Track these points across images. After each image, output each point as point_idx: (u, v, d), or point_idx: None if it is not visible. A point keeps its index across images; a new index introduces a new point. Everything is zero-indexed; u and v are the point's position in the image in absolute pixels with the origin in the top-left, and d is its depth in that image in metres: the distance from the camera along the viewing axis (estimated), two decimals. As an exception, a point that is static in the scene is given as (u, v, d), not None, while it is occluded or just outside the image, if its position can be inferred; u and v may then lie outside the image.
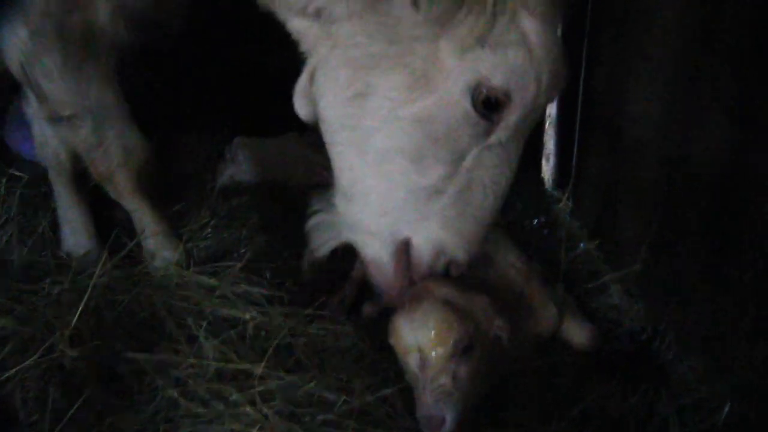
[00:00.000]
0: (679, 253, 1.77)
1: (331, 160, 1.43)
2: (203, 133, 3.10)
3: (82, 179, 2.00)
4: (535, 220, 2.18)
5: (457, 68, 1.22)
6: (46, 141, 1.91)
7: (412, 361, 1.30)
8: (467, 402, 1.30)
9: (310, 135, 2.93)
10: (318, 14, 1.30)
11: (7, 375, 1.36)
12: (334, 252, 1.96)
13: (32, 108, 1.89)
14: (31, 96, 1.87)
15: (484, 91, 1.21)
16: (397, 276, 1.43)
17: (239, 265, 1.87)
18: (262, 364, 1.44)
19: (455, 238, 1.38)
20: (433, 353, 1.27)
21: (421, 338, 1.28)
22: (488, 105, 1.23)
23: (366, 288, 2.02)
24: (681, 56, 1.63)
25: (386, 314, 1.90)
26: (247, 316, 1.64)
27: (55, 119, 1.59)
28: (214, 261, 2.00)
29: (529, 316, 1.53)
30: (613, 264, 1.88)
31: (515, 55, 1.20)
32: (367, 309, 1.90)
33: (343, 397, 1.41)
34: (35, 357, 1.38)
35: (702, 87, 1.60)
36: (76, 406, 1.34)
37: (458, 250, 1.39)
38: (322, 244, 1.52)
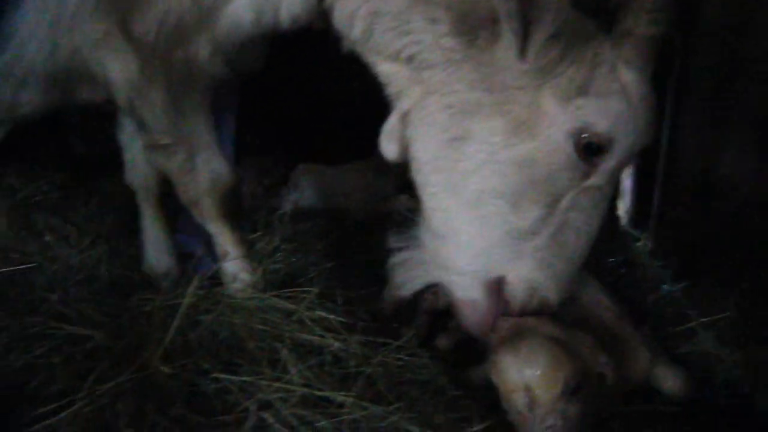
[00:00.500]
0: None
1: (422, 200, 1.47)
2: (268, 158, 3.21)
3: (166, 202, 2.10)
4: (612, 260, 2.13)
5: (561, 115, 1.29)
6: (137, 165, 2.02)
7: (518, 400, 1.26)
8: None
9: (372, 162, 2.98)
10: (410, 60, 1.37)
11: (104, 388, 1.40)
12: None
13: (125, 134, 2.01)
14: (125, 123, 1.99)
15: (587, 136, 1.29)
16: (491, 314, 1.44)
17: (316, 290, 1.89)
18: (350, 393, 1.44)
19: (548, 277, 1.40)
20: (543, 392, 1.24)
21: (530, 377, 1.25)
22: (589, 150, 1.30)
23: (439, 320, 2.02)
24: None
25: (461, 348, 1.89)
26: (332, 343, 1.64)
27: (153, 147, 1.68)
28: (283, 285, 2.03)
29: (620, 358, 1.47)
30: (701, 308, 1.81)
31: (617, 104, 1.29)
32: (442, 342, 1.88)
33: (428, 432, 1.39)
34: (130, 372, 1.42)
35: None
36: (166, 424, 1.36)
37: (551, 290, 1.41)
38: (408, 282, 1.55)
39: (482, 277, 1.42)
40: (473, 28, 1.29)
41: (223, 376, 1.51)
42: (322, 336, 1.71)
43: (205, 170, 1.75)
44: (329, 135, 3.06)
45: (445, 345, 1.87)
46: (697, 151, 1.85)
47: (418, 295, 2.06)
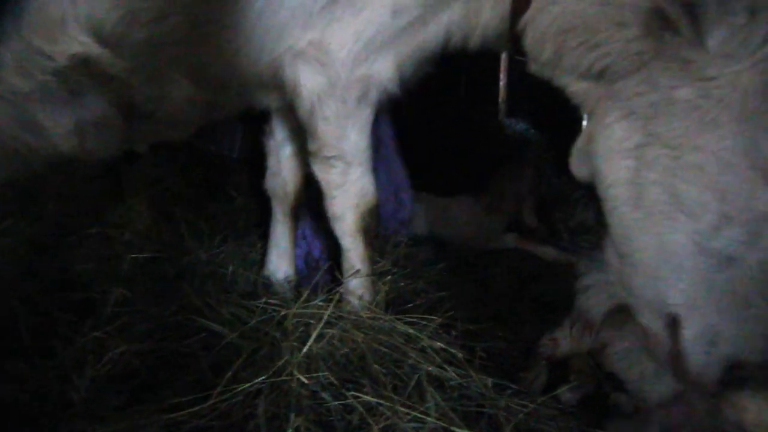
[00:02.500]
0: None
1: (606, 218, 1.38)
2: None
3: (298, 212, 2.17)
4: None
5: None
6: (279, 172, 2.09)
7: None
8: None
9: (485, 197, 2.96)
10: (602, 74, 1.31)
11: (240, 388, 1.43)
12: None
13: (273, 140, 2.10)
14: (276, 130, 2.09)
15: None
16: (675, 352, 1.24)
17: (439, 320, 1.86)
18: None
19: (741, 330, 1.16)
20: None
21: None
22: None
23: (559, 370, 1.92)
24: None
25: (589, 402, 1.78)
26: (454, 377, 1.59)
27: (315, 157, 1.72)
28: (395, 308, 2.02)
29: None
30: None
31: None
32: (566, 395, 1.78)
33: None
34: (269, 375, 1.44)
35: None
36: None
37: (745, 348, 1.17)
38: (596, 305, 1.46)
39: (659, 307, 1.24)
40: (662, 25, 1.18)
41: (351, 393, 1.50)
42: (443, 368, 1.67)
43: (356, 186, 1.78)
44: (446, 166, 3.07)
45: (569, 399, 1.77)
46: None
47: (537, 342, 1.99)
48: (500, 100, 5.29)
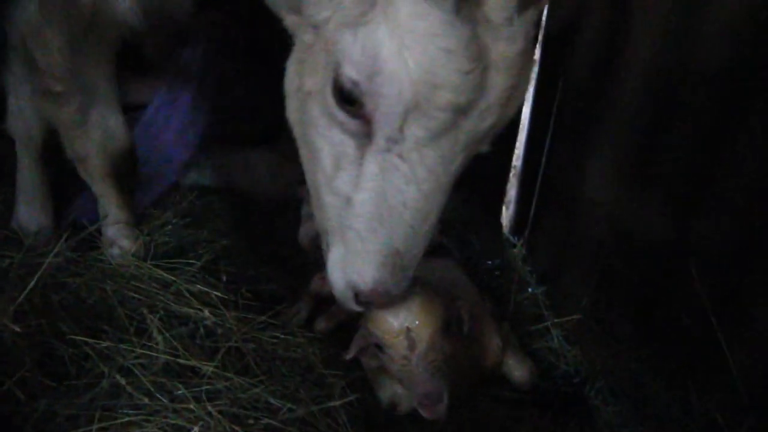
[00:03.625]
0: (614, 307, 1.92)
1: None
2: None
3: (48, 156, 1.97)
4: (489, 262, 2.30)
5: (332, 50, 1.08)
6: (21, 112, 1.87)
7: (400, 345, 1.33)
8: (453, 388, 1.34)
9: (281, 147, 2.98)
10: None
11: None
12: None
13: (12, 77, 1.86)
14: (16, 67, 1.84)
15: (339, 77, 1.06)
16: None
17: (198, 264, 1.87)
18: (213, 363, 1.44)
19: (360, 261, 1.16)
20: (421, 331, 1.31)
21: (408, 319, 1.32)
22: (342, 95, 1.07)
23: (321, 304, 2.07)
24: (638, 133, 1.83)
25: (338, 331, 1.96)
26: (203, 314, 1.63)
27: (44, 93, 1.57)
28: (169, 258, 1.99)
29: (477, 346, 1.60)
30: (557, 310, 2.01)
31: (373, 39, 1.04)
32: (320, 324, 1.93)
33: (288, 405, 1.43)
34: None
35: (652, 164, 1.79)
36: (9, 383, 1.29)
37: (365, 277, 1.15)
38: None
39: (324, 247, 1.27)
40: None
41: (80, 339, 1.45)
42: (199, 310, 1.70)
43: (99, 127, 1.66)
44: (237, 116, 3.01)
45: (323, 328, 1.92)
46: (568, 171, 2.06)
47: (308, 277, 2.11)
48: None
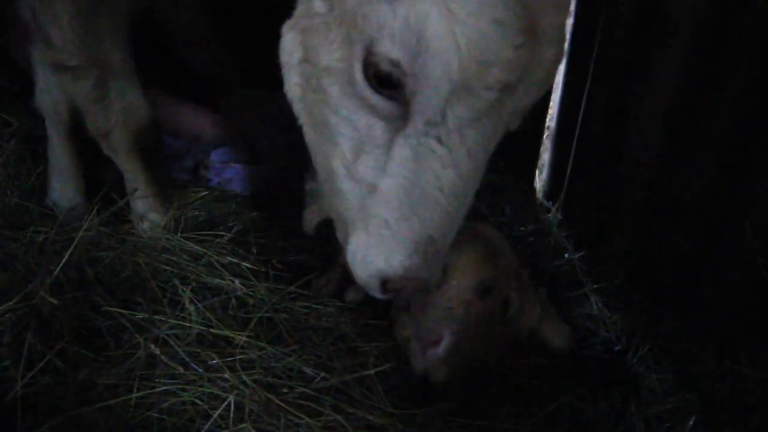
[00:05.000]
0: (657, 272, 1.83)
1: None
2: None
3: (79, 132, 1.97)
4: (523, 228, 2.22)
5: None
6: (48, 89, 1.87)
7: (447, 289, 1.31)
8: (463, 356, 1.30)
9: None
10: None
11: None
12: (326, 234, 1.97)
13: (38, 54, 1.85)
14: (38, 42, 1.84)
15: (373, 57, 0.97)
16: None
17: (228, 235, 1.86)
18: (245, 332, 1.44)
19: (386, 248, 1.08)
20: (460, 276, 1.28)
21: (453, 259, 1.27)
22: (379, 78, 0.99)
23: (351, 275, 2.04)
24: (683, 90, 1.70)
25: (370, 301, 1.94)
26: (234, 285, 1.63)
27: (59, 68, 1.55)
28: (199, 230, 1.99)
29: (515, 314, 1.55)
30: (595, 276, 1.93)
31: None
32: (350, 295, 1.91)
33: (322, 374, 1.42)
34: (13, 302, 1.35)
35: (698, 124, 1.68)
36: (50, 355, 1.32)
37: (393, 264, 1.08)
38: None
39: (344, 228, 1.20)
40: None
41: (116, 311, 1.47)
42: (231, 281, 1.70)
43: (118, 101, 1.63)
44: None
45: (354, 298, 1.90)
46: (607, 131, 1.95)
47: (337, 247, 2.08)
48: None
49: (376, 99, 0.98)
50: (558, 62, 1.03)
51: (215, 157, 2.51)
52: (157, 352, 1.33)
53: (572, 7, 2.18)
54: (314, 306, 1.72)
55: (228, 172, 2.48)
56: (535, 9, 0.92)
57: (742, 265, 1.47)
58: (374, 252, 1.09)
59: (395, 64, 0.92)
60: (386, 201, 1.05)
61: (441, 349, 1.27)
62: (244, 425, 1.20)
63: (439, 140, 0.99)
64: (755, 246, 1.39)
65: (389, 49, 0.92)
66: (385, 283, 1.12)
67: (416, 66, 0.91)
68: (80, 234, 1.53)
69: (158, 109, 1.85)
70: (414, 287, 1.14)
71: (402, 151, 1.02)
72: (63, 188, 2.00)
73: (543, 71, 0.99)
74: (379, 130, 1.03)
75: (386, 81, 0.95)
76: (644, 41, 1.76)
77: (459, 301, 1.27)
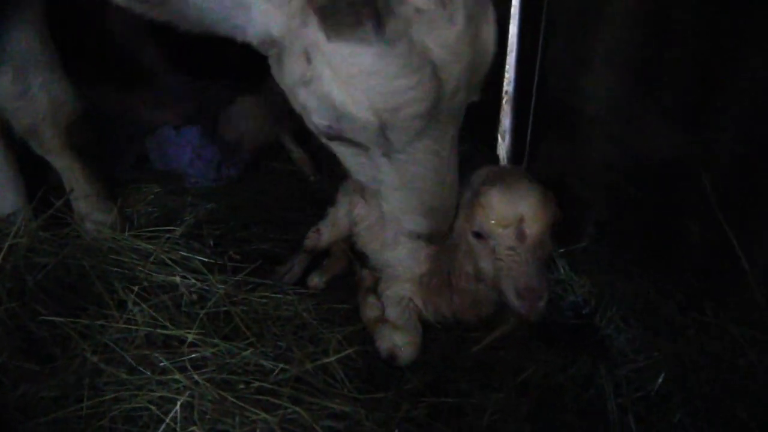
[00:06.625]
0: (623, 231, 1.80)
1: None
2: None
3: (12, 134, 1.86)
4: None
5: None
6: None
7: (508, 235, 1.32)
8: None
9: (265, 95, 2.80)
10: None
11: None
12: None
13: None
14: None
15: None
16: None
17: (179, 230, 1.77)
18: (194, 330, 1.37)
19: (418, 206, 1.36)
20: (534, 223, 1.31)
21: (525, 210, 1.31)
22: None
23: (316, 260, 1.98)
24: (633, 46, 1.65)
25: (333, 286, 1.88)
26: (179, 281, 1.55)
27: None
28: (155, 227, 1.90)
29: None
30: (561, 240, 1.89)
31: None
32: (314, 281, 1.86)
33: (281, 365, 1.36)
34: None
35: (649, 78, 1.63)
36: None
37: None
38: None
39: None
40: None
41: (57, 319, 1.39)
42: (184, 276, 1.62)
43: (43, 95, 1.54)
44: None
45: (317, 283, 1.85)
46: (564, 90, 1.90)
47: (302, 232, 2.01)
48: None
49: (338, 144, 1.20)
50: (481, 63, 1.11)
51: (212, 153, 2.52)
52: (95, 359, 1.26)
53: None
54: (273, 296, 1.66)
55: (237, 166, 2.55)
56: (423, 36, 1.00)
57: (701, 218, 1.44)
58: (401, 219, 1.40)
59: (328, 127, 1.11)
60: (387, 195, 1.34)
61: (544, 301, 1.29)
62: (193, 428, 1.14)
63: (400, 153, 1.17)
64: (714, 199, 1.35)
65: (318, 120, 1.11)
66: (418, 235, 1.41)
67: (343, 126, 1.08)
68: (9, 241, 1.43)
69: None
70: (443, 234, 1.43)
71: (381, 165, 1.25)
72: (2, 193, 1.88)
73: (458, 80, 1.07)
74: (361, 154, 1.25)
75: (332, 136, 1.14)
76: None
77: (544, 248, 1.33)
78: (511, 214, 1.32)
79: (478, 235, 1.39)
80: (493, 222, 1.35)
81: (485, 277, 1.39)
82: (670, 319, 1.51)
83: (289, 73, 1.07)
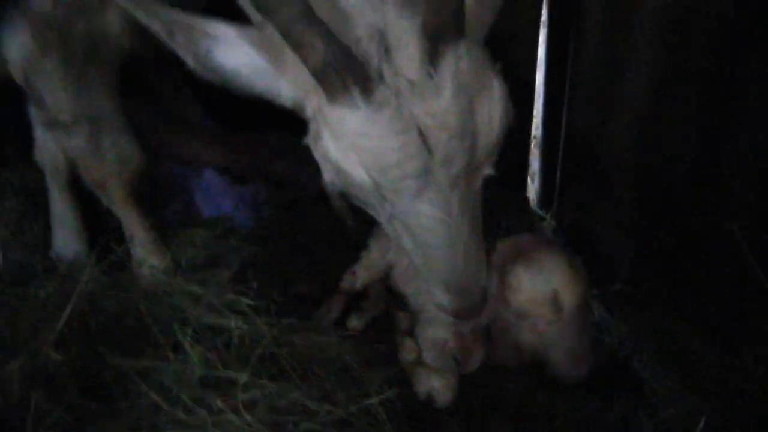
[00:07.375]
0: (657, 273, 1.82)
1: None
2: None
3: (77, 184, 2.02)
4: (520, 238, 2.22)
5: None
6: (45, 144, 1.92)
7: (545, 311, 1.31)
8: None
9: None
10: None
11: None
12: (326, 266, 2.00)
13: (33, 111, 1.91)
14: (32, 100, 1.89)
15: None
16: None
17: (227, 273, 1.88)
18: (246, 372, 1.45)
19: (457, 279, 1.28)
20: (570, 295, 1.30)
21: (557, 284, 1.30)
22: None
23: (353, 300, 2.06)
24: (655, 90, 1.72)
25: (372, 327, 1.95)
26: (232, 324, 1.65)
27: (51, 124, 1.60)
28: (202, 270, 2.01)
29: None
30: (594, 283, 1.93)
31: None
32: (353, 322, 1.92)
33: (327, 407, 1.43)
34: (18, 360, 1.38)
35: (672, 120, 1.69)
36: (58, 412, 1.34)
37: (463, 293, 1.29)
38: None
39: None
40: None
41: (120, 360, 1.49)
42: (231, 319, 1.72)
43: (112, 153, 1.68)
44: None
45: (356, 325, 1.91)
46: (591, 134, 1.96)
47: (339, 274, 2.10)
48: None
49: (356, 201, 1.22)
50: (480, 133, 1.08)
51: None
52: (158, 399, 1.35)
53: (544, 11, 2.22)
54: (316, 338, 1.73)
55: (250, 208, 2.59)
56: (411, 103, 1.02)
57: (731, 262, 1.46)
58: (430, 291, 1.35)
59: (333, 183, 1.16)
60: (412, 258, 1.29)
61: (590, 362, 1.33)
62: (249, 467, 1.21)
63: (403, 216, 1.17)
64: (741, 240, 1.38)
65: (325, 176, 1.16)
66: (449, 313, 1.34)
67: (343, 182, 1.13)
68: (79, 287, 1.56)
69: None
70: (473, 312, 1.32)
71: (390, 229, 1.25)
72: (66, 239, 2.04)
73: (447, 150, 1.06)
74: (374, 215, 1.27)
75: (342, 193, 1.19)
76: (616, 42, 1.78)
77: (582, 315, 1.33)
78: (544, 292, 1.31)
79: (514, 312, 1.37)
80: (525, 301, 1.34)
81: (527, 348, 1.37)
82: (707, 362, 1.52)
83: (309, 132, 1.14)
